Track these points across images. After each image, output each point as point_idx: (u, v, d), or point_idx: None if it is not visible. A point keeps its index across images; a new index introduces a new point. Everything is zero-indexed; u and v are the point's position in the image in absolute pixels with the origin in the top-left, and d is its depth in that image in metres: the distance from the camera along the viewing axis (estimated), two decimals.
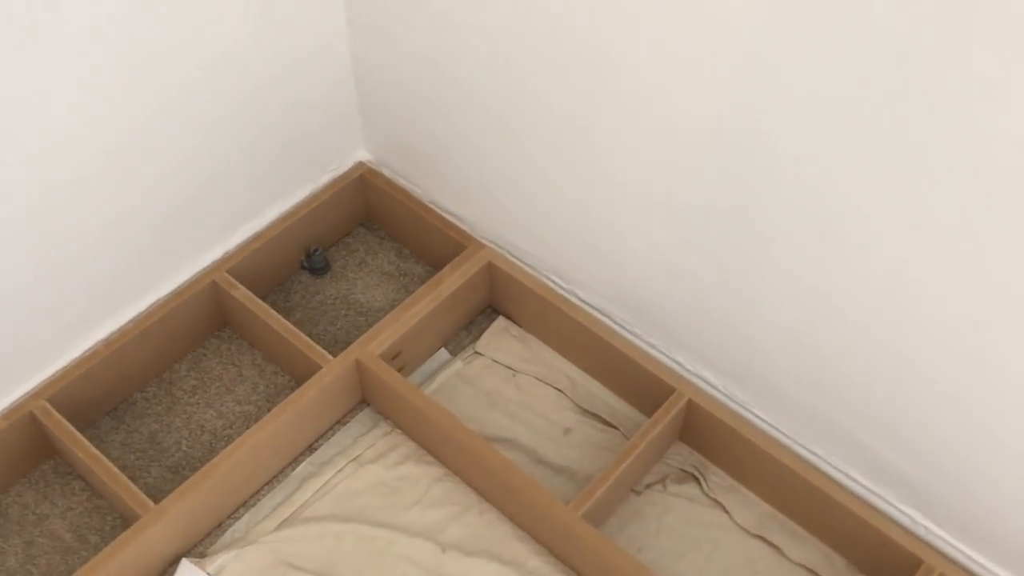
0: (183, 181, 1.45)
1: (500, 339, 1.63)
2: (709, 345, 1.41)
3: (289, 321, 1.62)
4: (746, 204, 1.18)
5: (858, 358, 1.20)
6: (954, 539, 1.29)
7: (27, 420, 1.39)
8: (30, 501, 1.43)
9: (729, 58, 1.06)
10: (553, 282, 1.59)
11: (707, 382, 1.46)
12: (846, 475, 1.37)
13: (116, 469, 1.34)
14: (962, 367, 1.09)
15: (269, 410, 1.48)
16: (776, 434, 1.41)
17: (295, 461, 1.48)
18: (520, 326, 1.65)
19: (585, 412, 1.55)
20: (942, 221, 1.00)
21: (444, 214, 1.68)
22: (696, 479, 1.47)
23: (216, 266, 1.56)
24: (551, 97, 1.31)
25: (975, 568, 1.29)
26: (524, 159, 1.43)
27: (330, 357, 1.47)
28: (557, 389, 1.57)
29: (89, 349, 1.46)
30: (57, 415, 1.39)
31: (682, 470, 1.48)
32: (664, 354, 1.49)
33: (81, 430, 1.48)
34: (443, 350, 1.62)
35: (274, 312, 1.51)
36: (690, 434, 1.48)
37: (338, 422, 1.53)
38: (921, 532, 1.32)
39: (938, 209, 0.99)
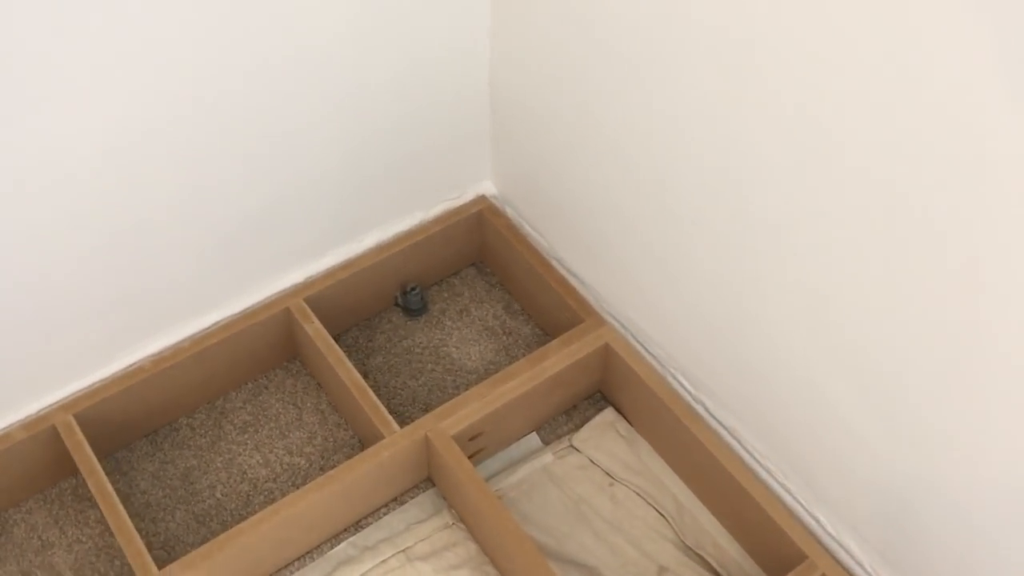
0: (267, 189, 1.24)
1: (604, 435, 1.36)
2: (861, 511, 1.10)
3: (370, 363, 1.42)
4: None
5: None
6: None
7: (49, 435, 1.22)
8: (39, 523, 1.26)
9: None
10: (679, 383, 1.30)
11: (851, 554, 1.15)
12: None
13: (125, 514, 1.14)
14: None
15: (322, 469, 1.28)
16: None
17: (336, 537, 1.26)
18: (631, 424, 1.37)
19: (689, 551, 1.26)
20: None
21: (566, 274, 1.42)
22: None
23: (295, 291, 1.36)
24: (715, 172, 1.03)
25: None
26: (674, 236, 1.16)
27: (396, 427, 1.23)
28: (660, 513, 1.29)
29: (133, 364, 1.28)
30: (80, 435, 1.21)
31: None
32: (802, 506, 1.19)
33: (112, 451, 1.32)
34: (535, 435, 1.37)
35: (346, 360, 1.29)
36: None
37: (395, 499, 1.30)
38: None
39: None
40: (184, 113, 1.09)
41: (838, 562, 1.15)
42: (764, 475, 1.22)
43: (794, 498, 1.20)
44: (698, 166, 1.06)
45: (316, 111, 1.21)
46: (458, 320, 1.49)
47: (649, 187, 1.16)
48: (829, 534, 1.17)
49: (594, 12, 1.09)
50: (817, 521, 1.18)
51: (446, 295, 1.52)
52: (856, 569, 1.15)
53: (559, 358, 1.30)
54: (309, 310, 1.34)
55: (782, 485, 1.20)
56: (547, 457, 1.34)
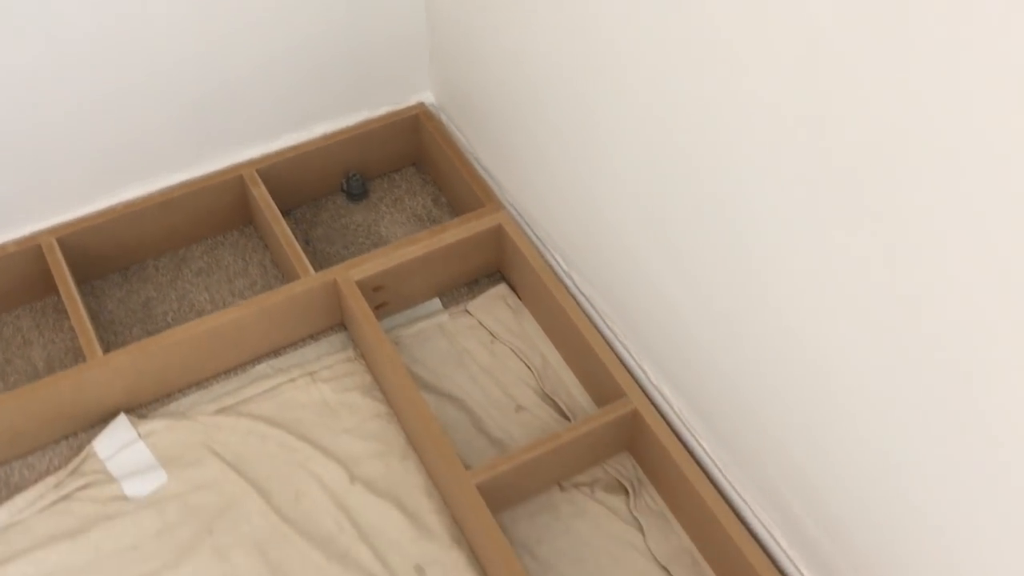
0: (226, 68, 1.52)
1: (493, 304, 1.61)
2: (673, 361, 1.33)
3: (312, 233, 1.68)
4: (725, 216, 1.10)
5: (801, 419, 1.10)
6: None
7: (35, 252, 1.52)
8: (24, 326, 1.56)
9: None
10: (556, 261, 1.55)
11: (664, 398, 1.38)
12: (768, 532, 1.26)
13: (85, 314, 1.44)
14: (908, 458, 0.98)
15: None
16: (714, 470, 1.32)
17: (257, 360, 1.54)
18: (519, 298, 1.62)
19: (545, 396, 1.50)
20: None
21: (480, 171, 1.67)
22: (627, 493, 1.40)
23: (250, 164, 1.64)
24: (576, 86, 1.28)
25: None
26: (556, 135, 1.39)
27: (312, 272, 1.50)
28: (528, 366, 1.54)
29: (110, 206, 1.57)
30: (60, 256, 1.50)
31: (618, 481, 1.41)
32: (633, 358, 1.43)
33: (89, 279, 1.61)
34: (436, 300, 1.62)
35: (280, 216, 1.57)
36: (637, 447, 1.41)
37: (311, 337, 1.57)
38: None
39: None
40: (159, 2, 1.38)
41: (652, 401, 1.38)
42: (608, 334, 1.46)
43: (629, 353, 1.43)
44: (574, 87, 1.30)
45: (267, 6, 1.48)
46: (392, 207, 1.75)
47: (543, 95, 1.40)
48: (651, 382, 1.40)
49: None
50: (644, 371, 1.41)
51: (385, 186, 1.78)
52: (668, 410, 1.38)
53: (456, 232, 1.56)
54: (259, 178, 1.62)
55: (622, 343, 1.44)
56: (443, 317, 1.60)
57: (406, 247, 1.53)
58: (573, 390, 1.51)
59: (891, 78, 0.78)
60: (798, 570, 1.23)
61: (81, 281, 1.58)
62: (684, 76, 1.05)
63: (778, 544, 1.25)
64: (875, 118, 0.81)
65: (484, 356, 1.55)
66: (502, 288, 1.63)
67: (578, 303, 1.50)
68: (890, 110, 0.80)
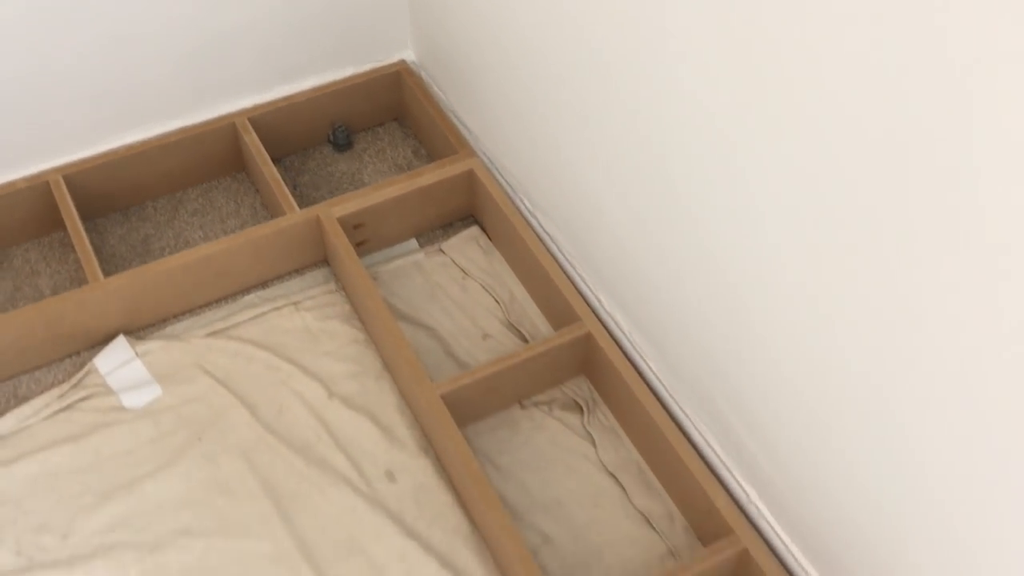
0: (219, 19, 1.65)
1: (466, 244, 1.74)
2: (625, 291, 1.46)
3: (299, 180, 1.81)
4: (662, 155, 1.22)
5: (732, 330, 1.22)
6: (780, 528, 1.29)
7: (43, 188, 1.65)
8: (33, 258, 1.69)
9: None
10: (523, 203, 1.68)
11: (617, 324, 1.51)
12: (705, 441, 1.38)
13: (88, 244, 1.57)
14: (816, 373, 1.10)
15: None
16: (659, 387, 1.45)
17: (246, 291, 1.67)
18: (491, 240, 1.75)
19: (511, 326, 1.63)
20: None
21: (456, 122, 1.80)
22: (581, 411, 1.52)
23: (242, 113, 1.76)
24: (544, 43, 1.40)
25: (785, 555, 1.28)
26: (525, 89, 1.51)
27: (297, 209, 1.63)
28: (496, 300, 1.66)
29: (112, 149, 1.70)
30: (65, 191, 1.63)
31: (574, 400, 1.54)
32: (590, 289, 1.55)
33: (93, 216, 1.73)
34: (413, 240, 1.75)
35: (270, 161, 1.69)
36: (591, 369, 1.54)
37: (296, 271, 1.70)
38: (753, 512, 1.32)
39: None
40: None
41: (605, 326, 1.51)
42: (569, 269, 1.59)
43: (587, 285, 1.56)
44: (546, 45, 1.43)
45: None
46: (375, 158, 1.88)
47: (517, 50, 1.53)
48: (605, 310, 1.53)
49: None
50: (599, 300, 1.54)
51: (369, 139, 1.91)
52: (619, 334, 1.51)
53: (431, 176, 1.69)
54: (250, 126, 1.75)
55: (580, 275, 1.57)
56: (419, 255, 1.73)
57: (384, 188, 1.66)
58: (536, 320, 1.63)
59: None
60: (732, 474, 1.35)
61: (85, 219, 1.71)
62: (644, 35, 1.17)
63: (715, 452, 1.37)
64: None
65: (456, 291, 1.68)
66: (474, 230, 1.76)
67: (541, 240, 1.63)
68: None
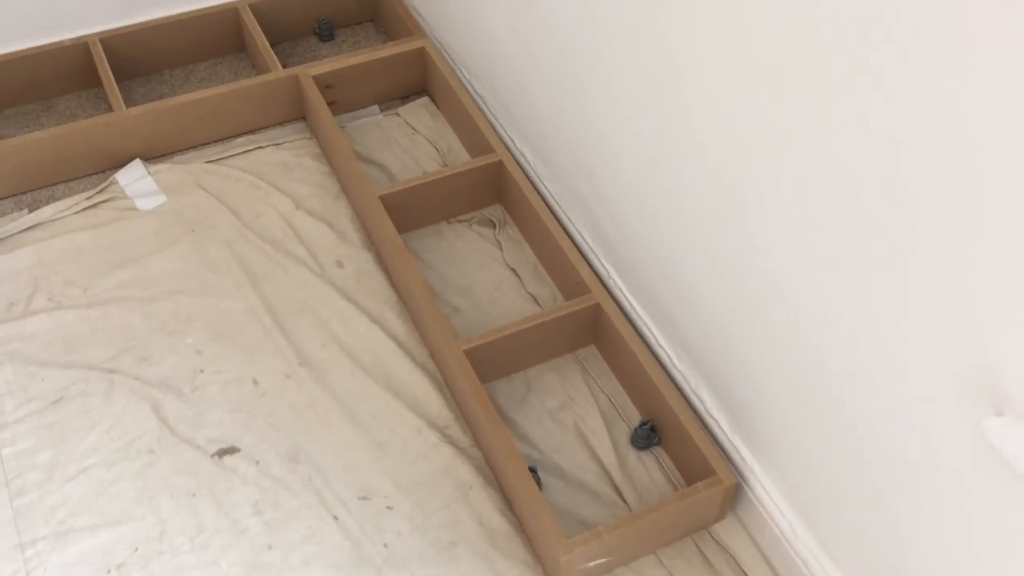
0: None
1: (417, 110, 2.16)
2: (525, 122, 1.86)
3: (286, 63, 2.24)
4: None
5: (589, 136, 1.62)
6: (631, 296, 1.68)
7: (83, 48, 2.08)
8: (72, 106, 2.13)
9: None
10: (461, 73, 2.09)
11: (524, 157, 1.92)
12: (581, 237, 1.78)
13: (116, 87, 2.00)
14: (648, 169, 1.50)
15: None
16: (552, 201, 1.85)
17: (237, 135, 2.09)
18: (438, 108, 2.16)
19: (445, 167, 2.04)
20: None
21: (416, 16, 2.22)
22: (494, 226, 1.93)
23: (244, 0, 2.20)
24: None
25: (636, 320, 1.67)
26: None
27: (280, 68, 2.06)
28: (436, 149, 2.08)
29: (141, 22, 2.13)
30: (101, 51, 2.07)
31: (489, 219, 1.94)
32: (503, 128, 1.96)
33: (121, 77, 2.17)
34: (375, 107, 2.17)
35: (261, 32, 2.12)
36: (504, 196, 1.94)
37: (279, 124, 2.12)
38: (612, 284, 1.71)
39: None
40: None
41: (513, 159, 1.91)
42: (490, 116, 2.00)
43: (502, 127, 1.97)
44: None
45: None
46: (350, 48, 2.30)
47: None
48: (515, 145, 1.93)
49: None
50: (512, 139, 1.94)
51: (348, 34, 2.34)
52: (525, 165, 1.91)
53: (390, 50, 2.11)
54: (251, 12, 2.18)
55: (497, 121, 1.98)
56: (378, 117, 2.14)
57: (352, 57, 2.08)
58: (463, 157, 2.04)
59: None
60: (595, 255, 1.74)
61: (116, 79, 2.15)
62: None
63: (585, 240, 1.77)
64: None
65: (406, 142, 2.09)
66: (424, 100, 2.18)
67: (474, 101, 2.04)
68: None
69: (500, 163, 1.90)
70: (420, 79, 2.18)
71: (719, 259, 1.34)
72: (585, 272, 1.70)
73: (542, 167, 1.86)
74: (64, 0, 2.04)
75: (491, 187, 1.94)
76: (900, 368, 1.05)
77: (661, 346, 1.60)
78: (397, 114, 2.15)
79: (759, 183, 1.18)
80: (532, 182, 1.89)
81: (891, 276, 1.01)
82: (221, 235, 1.89)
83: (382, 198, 1.82)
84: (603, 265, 1.73)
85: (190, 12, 2.16)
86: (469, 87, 2.07)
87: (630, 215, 1.57)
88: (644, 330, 1.64)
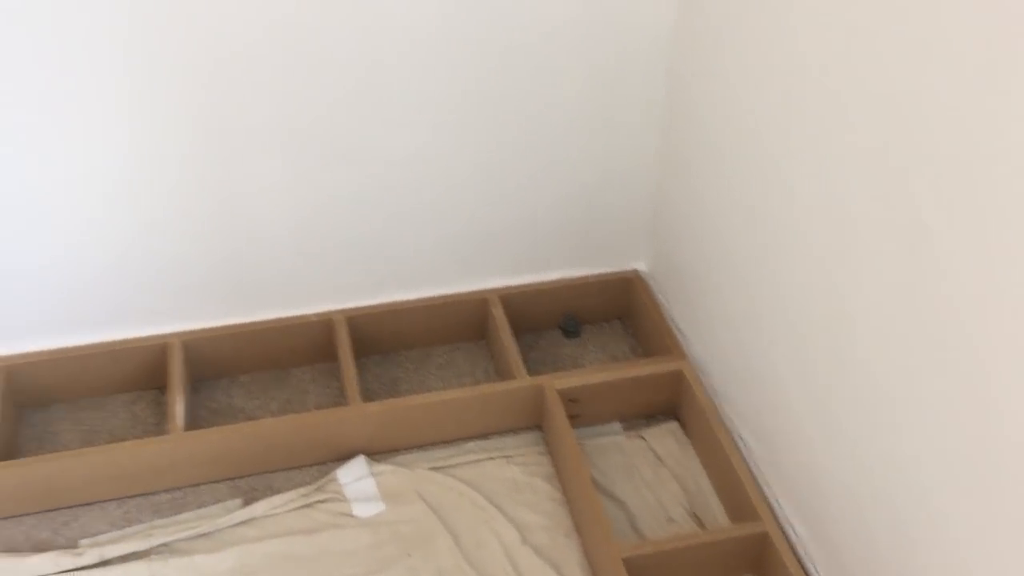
0: (496, 215, 2.00)
1: (664, 436, 1.94)
2: (803, 486, 1.60)
3: (528, 357, 2.10)
4: None
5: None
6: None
7: (327, 324, 2.01)
8: (306, 379, 2.04)
9: None
10: (721, 407, 1.87)
11: (792, 528, 1.64)
12: None
13: (355, 373, 1.89)
14: None
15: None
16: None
17: (469, 438, 1.93)
18: (686, 435, 1.93)
19: (694, 516, 1.79)
20: None
21: (674, 328, 2.04)
22: None
23: (494, 291, 2.09)
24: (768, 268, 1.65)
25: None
26: (746, 301, 1.75)
27: (527, 375, 1.90)
28: (683, 490, 1.83)
29: (383, 303, 2.05)
30: (344, 329, 1.98)
31: None
32: (766, 484, 1.70)
33: (358, 355, 2.08)
34: (617, 423, 1.97)
35: (510, 331, 1.99)
36: (763, 568, 1.66)
37: (512, 431, 1.95)
38: None
39: None
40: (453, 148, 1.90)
41: (780, 528, 1.64)
42: (754, 469, 1.74)
43: (768, 487, 1.71)
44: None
45: (530, 169, 1.97)
46: (597, 348, 2.14)
47: (753, 280, 1.78)
48: (784, 514, 1.66)
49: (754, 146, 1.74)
50: (778, 503, 1.68)
51: (594, 331, 2.18)
52: (793, 537, 1.63)
53: (641, 368, 1.92)
54: (499, 302, 2.06)
55: (764, 480, 1.72)
56: (621, 437, 1.94)
57: (602, 371, 1.91)
58: (721, 520, 1.78)
59: None
60: None
61: (354, 355, 2.06)
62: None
63: None
64: None
65: (649, 474, 1.86)
66: (672, 425, 1.96)
67: (734, 443, 1.80)
68: None
69: (766, 534, 1.63)
70: (670, 400, 1.97)
71: None
72: None
73: (814, 545, 1.58)
74: (316, 277, 1.99)
75: (746, 554, 1.66)
76: None
77: None
78: (642, 437, 1.94)
79: None
80: (802, 564, 1.60)
81: None
82: (437, 563, 1.70)
83: (626, 560, 1.58)
84: None
85: (439, 297, 2.07)
86: (729, 423, 1.84)
87: None
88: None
